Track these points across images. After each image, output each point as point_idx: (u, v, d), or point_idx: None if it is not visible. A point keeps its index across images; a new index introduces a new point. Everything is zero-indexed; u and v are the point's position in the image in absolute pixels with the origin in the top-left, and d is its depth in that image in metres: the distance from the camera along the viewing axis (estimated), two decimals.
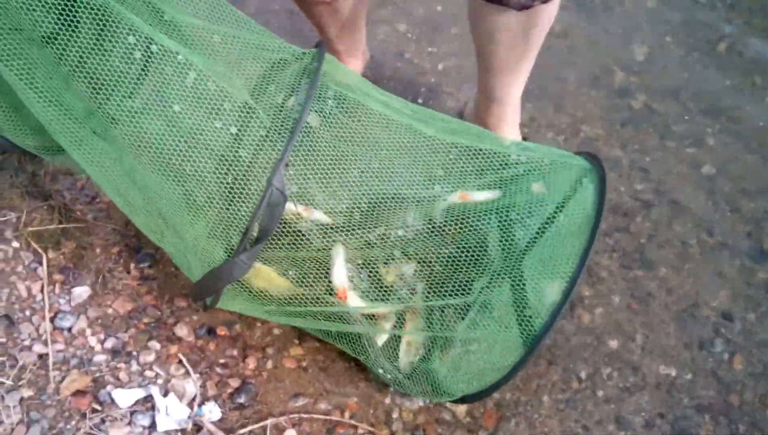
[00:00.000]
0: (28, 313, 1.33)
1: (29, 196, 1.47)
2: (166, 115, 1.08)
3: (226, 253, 1.12)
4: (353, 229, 1.18)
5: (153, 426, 1.22)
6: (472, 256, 1.18)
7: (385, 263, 1.22)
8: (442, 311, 1.22)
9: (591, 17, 2.03)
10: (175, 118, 1.08)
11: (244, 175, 1.09)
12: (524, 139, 1.71)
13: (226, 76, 1.09)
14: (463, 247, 1.18)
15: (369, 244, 1.20)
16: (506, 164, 1.19)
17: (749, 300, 1.48)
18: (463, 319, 1.20)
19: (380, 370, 1.25)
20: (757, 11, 2.07)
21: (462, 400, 1.24)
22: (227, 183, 1.10)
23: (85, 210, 1.48)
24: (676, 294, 1.48)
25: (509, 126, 1.61)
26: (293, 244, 1.18)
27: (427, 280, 1.21)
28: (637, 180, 1.66)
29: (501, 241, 1.18)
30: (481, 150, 1.19)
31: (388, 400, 1.30)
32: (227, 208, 1.09)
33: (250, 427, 1.24)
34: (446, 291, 1.18)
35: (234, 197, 1.09)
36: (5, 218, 1.43)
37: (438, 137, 1.18)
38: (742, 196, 1.65)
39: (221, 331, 1.35)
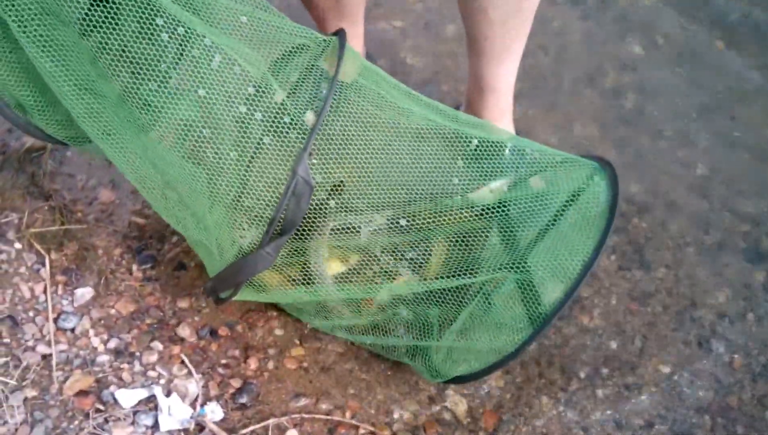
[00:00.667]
0: (31, 314, 1.33)
1: (30, 197, 1.47)
2: (192, 99, 1.07)
3: (248, 246, 1.12)
4: (375, 219, 1.18)
5: (156, 426, 1.23)
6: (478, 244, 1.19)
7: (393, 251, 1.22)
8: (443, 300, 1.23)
9: (586, 16, 2.04)
10: (200, 102, 1.07)
11: (269, 163, 1.08)
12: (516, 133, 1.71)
13: (252, 59, 1.08)
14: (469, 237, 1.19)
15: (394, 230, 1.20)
16: (522, 160, 1.20)
17: (747, 300, 1.50)
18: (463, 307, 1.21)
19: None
20: (753, 9, 2.09)
21: (455, 380, 1.24)
22: (251, 171, 1.08)
23: (87, 211, 1.49)
24: (675, 295, 1.50)
25: (504, 115, 1.59)
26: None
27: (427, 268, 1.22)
28: (632, 180, 1.67)
29: (504, 234, 1.19)
30: (499, 143, 1.18)
31: (389, 400, 1.31)
32: (250, 198, 1.08)
33: (252, 427, 1.24)
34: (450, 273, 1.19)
35: (258, 186, 1.08)
36: (7, 219, 1.43)
37: (458, 129, 1.17)
38: (737, 196, 1.66)
39: (223, 331, 1.35)
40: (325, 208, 1.12)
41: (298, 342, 1.36)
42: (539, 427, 1.30)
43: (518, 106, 1.80)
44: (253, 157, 1.09)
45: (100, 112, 1.11)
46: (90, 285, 1.38)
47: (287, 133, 1.08)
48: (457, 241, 1.20)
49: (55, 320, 1.32)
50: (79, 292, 1.37)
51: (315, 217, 1.12)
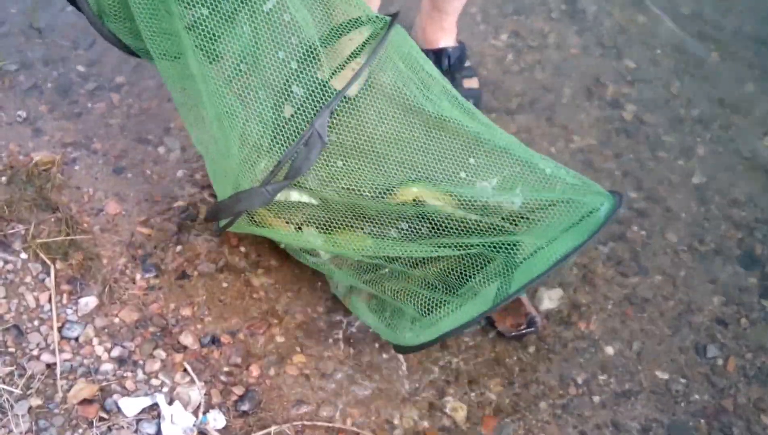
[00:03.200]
0: (36, 323, 1.35)
1: (37, 209, 1.50)
2: (237, 34, 1.12)
3: (253, 182, 1.17)
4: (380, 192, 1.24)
5: (159, 434, 1.24)
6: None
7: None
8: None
9: (583, 30, 2.07)
10: (243, 37, 1.12)
11: (291, 112, 1.14)
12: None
13: (304, 13, 1.13)
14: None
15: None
16: (534, 175, 1.25)
17: (742, 305, 1.51)
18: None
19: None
20: (747, 20, 2.12)
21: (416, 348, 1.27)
22: (273, 115, 1.14)
23: (92, 222, 1.51)
24: (671, 300, 1.51)
25: (447, 33, 1.86)
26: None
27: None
28: (631, 189, 1.69)
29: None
30: (514, 154, 1.25)
31: (389, 407, 1.32)
32: (268, 140, 1.14)
33: None
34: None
35: (276, 131, 1.13)
36: (14, 230, 1.46)
37: (479, 132, 1.24)
38: (732, 204, 1.68)
39: (225, 339, 1.37)
40: (333, 167, 1.19)
41: (299, 349, 1.38)
42: (537, 432, 1.31)
43: (518, 118, 1.82)
44: (278, 103, 1.15)
45: (166, 34, 1.16)
46: (94, 294, 1.40)
47: (316, 89, 1.13)
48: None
49: (60, 329, 1.34)
50: (83, 301, 1.39)
51: (321, 172, 1.19)
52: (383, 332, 1.31)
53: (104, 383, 1.29)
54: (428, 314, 1.23)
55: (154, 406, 1.27)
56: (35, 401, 1.25)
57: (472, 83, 1.86)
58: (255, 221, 1.27)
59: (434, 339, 1.21)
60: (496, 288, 1.18)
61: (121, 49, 1.30)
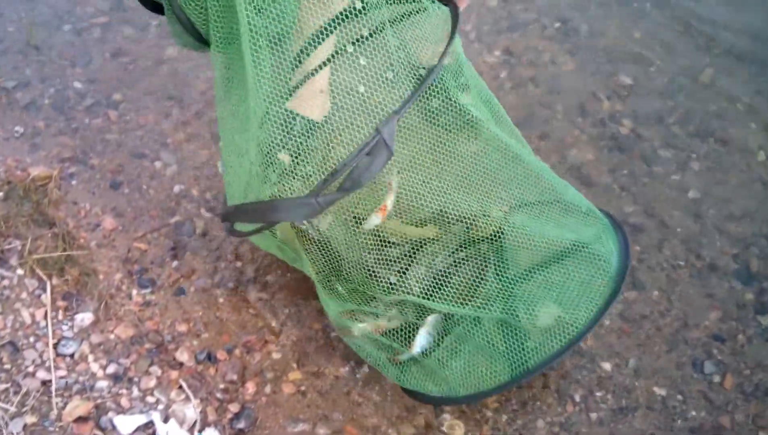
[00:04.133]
0: (32, 339, 1.35)
1: (34, 224, 1.50)
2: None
3: (287, 189, 1.07)
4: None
5: None
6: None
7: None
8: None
9: (577, 48, 2.08)
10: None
11: (355, 115, 1.01)
12: None
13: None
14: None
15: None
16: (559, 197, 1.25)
17: (739, 321, 1.50)
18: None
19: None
20: (740, 37, 2.13)
21: (421, 397, 1.27)
22: (333, 115, 1.03)
23: (89, 237, 1.51)
24: (667, 316, 1.51)
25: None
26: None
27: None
28: (627, 204, 1.69)
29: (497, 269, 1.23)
30: (545, 178, 1.23)
31: (385, 424, 1.31)
32: (326, 145, 1.02)
33: None
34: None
35: (337, 137, 1.02)
36: (10, 246, 1.45)
37: (526, 160, 1.21)
38: (728, 219, 1.68)
39: (221, 355, 1.37)
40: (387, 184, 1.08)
41: (295, 366, 1.37)
42: None
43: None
44: (340, 108, 1.03)
45: (230, 17, 1.08)
46: (90, 310, 1.39)
47: (386, 91, 1.01)
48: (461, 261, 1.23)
49: (55, 346, 1.34)
50: (79, 317, 1.38)
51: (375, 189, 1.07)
52: (383, 368, 1.30)
53: (99, 400, 1.28)
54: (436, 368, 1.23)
55: (150, 424, 1.26)
56: (30, 419, 1.25)
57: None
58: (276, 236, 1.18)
59: (448, 398, 1.23)
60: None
61: (190, 35, 1.18)
